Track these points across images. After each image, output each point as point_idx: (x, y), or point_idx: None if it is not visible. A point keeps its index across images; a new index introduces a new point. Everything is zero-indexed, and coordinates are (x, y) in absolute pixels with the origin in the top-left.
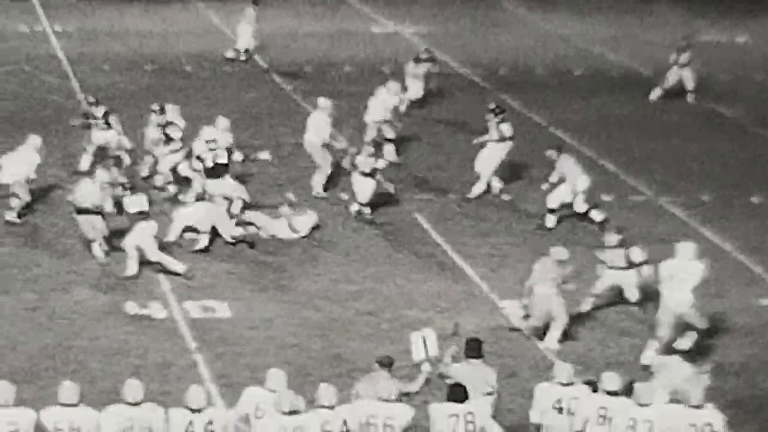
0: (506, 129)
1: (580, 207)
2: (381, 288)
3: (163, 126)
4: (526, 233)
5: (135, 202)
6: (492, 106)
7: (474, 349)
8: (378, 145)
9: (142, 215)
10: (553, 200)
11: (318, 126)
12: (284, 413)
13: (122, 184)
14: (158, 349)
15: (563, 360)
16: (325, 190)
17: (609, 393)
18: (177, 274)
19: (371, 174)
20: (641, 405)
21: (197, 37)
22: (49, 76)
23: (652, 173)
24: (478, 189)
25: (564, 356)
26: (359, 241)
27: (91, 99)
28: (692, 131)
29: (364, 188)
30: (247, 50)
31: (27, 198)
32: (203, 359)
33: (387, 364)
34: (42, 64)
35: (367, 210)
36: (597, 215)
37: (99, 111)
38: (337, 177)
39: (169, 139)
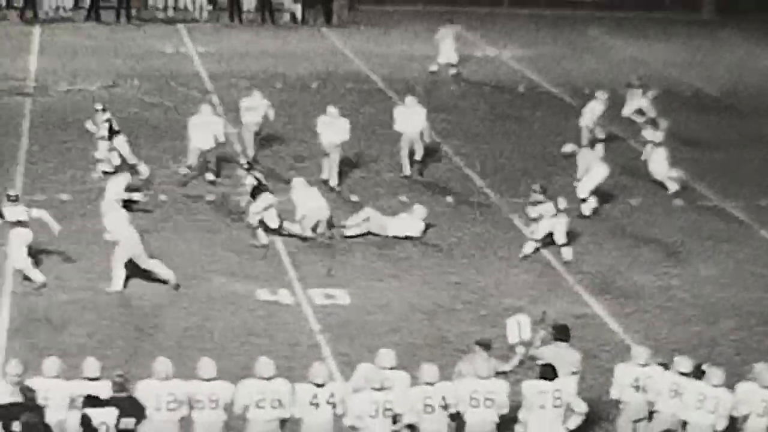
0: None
1: (582, 193)
2: (481, 279)
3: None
4: (606, 232)
5: (14, 212)
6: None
7: (563, 333)
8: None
9: (20, 224)
10: (582, 191)
11: (418, 115)
12: (375, 389)
13: (8, 195)
14: (286, 331)
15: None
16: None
17: (680, 374)
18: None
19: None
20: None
21: (321, 58)
22: (192, 91)
23: (718, 181)
24: (672, 187)
25: (639, 341)
26: (462, 238)
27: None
28: (751, 144)
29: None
30: (452, 65)
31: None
32: (325, 340)
33: (486, 345)
34: (186, 80)
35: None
36: (587, 208)
37: (102, 117)
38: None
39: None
